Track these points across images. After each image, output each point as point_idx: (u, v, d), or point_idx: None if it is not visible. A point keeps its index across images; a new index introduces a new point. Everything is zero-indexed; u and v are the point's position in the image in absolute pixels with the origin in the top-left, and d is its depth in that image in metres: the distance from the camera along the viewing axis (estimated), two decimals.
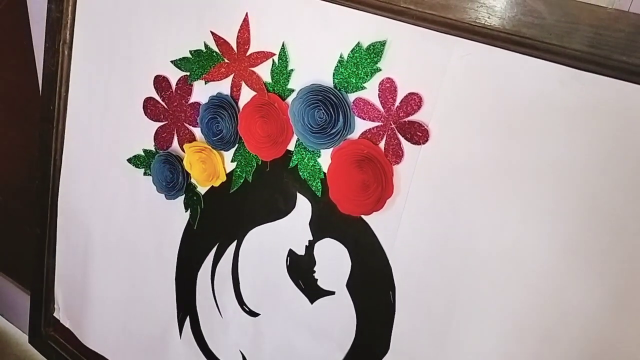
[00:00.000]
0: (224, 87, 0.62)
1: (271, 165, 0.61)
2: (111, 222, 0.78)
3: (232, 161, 0.64)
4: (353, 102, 0.53)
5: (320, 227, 0.59)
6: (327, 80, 0.54)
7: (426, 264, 0.53)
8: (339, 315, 0.60)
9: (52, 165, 0.81)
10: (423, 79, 0.49)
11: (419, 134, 0.50)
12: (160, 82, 0.67)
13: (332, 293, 0.60)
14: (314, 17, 0.54)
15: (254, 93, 0.60)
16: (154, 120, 0.69)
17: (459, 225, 0.50)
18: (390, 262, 0.55)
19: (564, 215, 0.45)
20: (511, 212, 0.47)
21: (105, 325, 0.85)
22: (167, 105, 0.68)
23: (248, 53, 0.59)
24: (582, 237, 0.45)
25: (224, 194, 0.65)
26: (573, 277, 0.46)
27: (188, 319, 0.74)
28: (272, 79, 0.58)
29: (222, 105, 0.62)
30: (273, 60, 0.57)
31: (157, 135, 0.70)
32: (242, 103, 0.61)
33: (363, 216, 0.55)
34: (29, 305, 0.95)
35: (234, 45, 0.60)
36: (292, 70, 0.56)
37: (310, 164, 0.58)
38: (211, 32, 0.61)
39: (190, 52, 0.63)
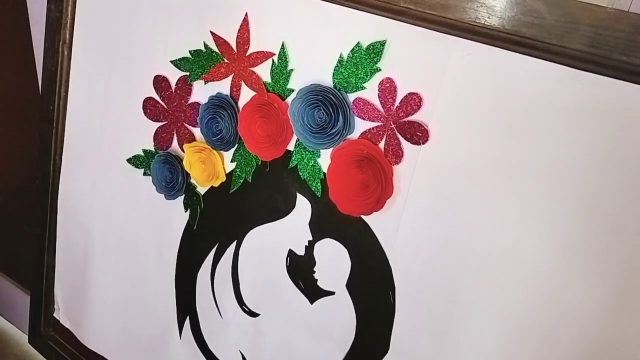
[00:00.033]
0: (223, 87, 0.62)
1: (271, 166, 0.61)
2: (111, 222, 0.78)
3: (231, 161, 0.64)
4: (353, 102, 0.53)
5: (320, 227, 0.59)
6: (327, 80, 0.54)
7: (426, 264, 0.53)
8: (339, 316, 0.60)
9: (52, 165, 0.81)
10: (423, 79, 0.49)
11: (418, 134, 0.50)
12: (159, 82, 0.67)
13: (332, 293, 0.60)
14: (313, 17, 0.54)
15: (254, 93, 0.59)
16: (154, 120, 0.69)
17: (459, 225, 0.50)
18: (390, 262, 0.55)
19: (564, 215, 0.45)
20: (511, 212, 0.47)
21: (105, 326, 0.85)
22: (167, 105, 0.68)
23: (248, 53, 0.59)
24: (582, 237, 0.45)
25: (224, 194, 0.65)
26: (573, 277, 0.46)
27: (188, 319, 0.74)
28: (272, 79, 0.58)
29: (222, 105, 0.62)
30: (273, 60, 0.57)
31: (157, 135, 0.70)
32: (241, 103, 0.61)
33: (363, 216, 0.55)
34: (28, 305, 0.95)
35: (234, 45, 0.60)
36: (291, 70, 0.56)
37: (310, 164, 0.58)
38: (211, 32, 0.61)
39: (190, 52, 0.63)
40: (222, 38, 0.60)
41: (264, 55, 0.58)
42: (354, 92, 0.53)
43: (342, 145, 0.55)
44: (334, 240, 0.58)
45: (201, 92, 0.64)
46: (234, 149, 0.63)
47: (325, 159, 0.57)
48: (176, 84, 0.66)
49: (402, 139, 0.51)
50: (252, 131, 0.60)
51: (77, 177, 0.81)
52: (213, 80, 0.62)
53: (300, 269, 0.62)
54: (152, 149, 0.71)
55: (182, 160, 0.68)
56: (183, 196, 0.69)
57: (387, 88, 0.51)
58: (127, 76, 0.71)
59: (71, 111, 0.78)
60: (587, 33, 0.41)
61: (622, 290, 0.44)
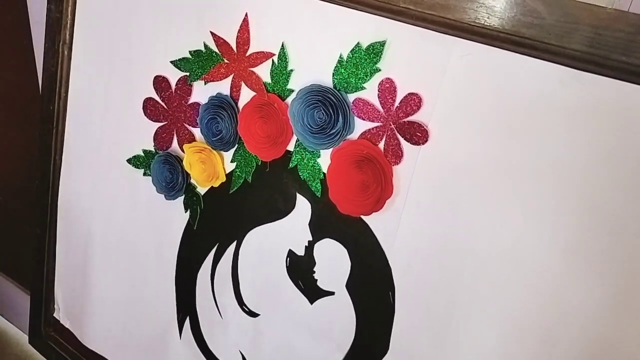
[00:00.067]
0: (223, 87, 0.62)
1: (271, 166, 0.61)
2: (111, 223, 0.78)
3: (231, 161, 0.64)
4: (352, 103, 0.53)
5: (320, 227, 0.59)
6: (327, 81, 0.54)
7: (426, 264, 0.53)
8: (339, 316, 0.60)
9: (52, 165, 0.82)
10: (422, 79, 0.49)
11: (418, 134, 0.50)
12: (160, 83, 0.67)
13: (332, 293, 0.60)
14: (313, 17, 0.54)
15: (254, 93, 0.60)
16: (154, 121, 0.69)
17: (458, 226, 0.50)
18: (389, 262, 0.55)
19: (563, 215, 0.45)
20: (511, 212, 0.47)
21: (105, 326, 0.85)
22: (167, 106, 0.68)
23: (248, 53, 0.59)
24: (582, 237, 0.45)
25: (224, 194, 0.65)
26: (573, 277, 0.46)
27: (188, 319, 0.74)
28: (272, 79, 0.58)
29: (222, 105, 0.62)
30: (273, 60, 0.57)
31: (157, 136, 0.70)
32: (241, 103, 0.61)
33: (362, 216, 0.55)
34: (29, 305, 0.95)
35: (234, 46, 0.60)
36: (291, 70, 0.56)
37: (310, 164, 0.58)
38: (211, 32, 0.61)
39: (190, 52, 0.63)
40: (222, 38, 0.60)
41: (263, 56, 0.58)
42: (353, 92, 0.53)
43: (341, 146, 0.55)
44: (334, 241, 0.59)
45: (201, 93, 0.64)
46: (234, 149, 0.63)
47: (325, 159, 0.57)
48: (176, 85, 0.66)
49: (401, 139, 0.51)
50: (252, 131, 0.60)
51: (77, 177, 0.81)
52: (213, 81, 0.62)
53: (300, 269, 0.62)
54: (152, 149, 0.71)
55: (182, 161, 0.68)
56: (183, 196, 0.69)
57: (387, 88, 0.51)
58: (127, 76, 0.71)
59: (71, 111, 0.78)
60: (587, 33, 0.41)
61: (622, 290, 0.44)
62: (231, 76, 0.61)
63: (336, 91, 0.53)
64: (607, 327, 0.45)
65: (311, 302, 0.62)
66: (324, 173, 0.57)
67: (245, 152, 0.62)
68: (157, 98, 0.68)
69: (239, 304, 0.68)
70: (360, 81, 0.52)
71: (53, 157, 0.81)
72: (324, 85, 0.54)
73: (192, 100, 0.65)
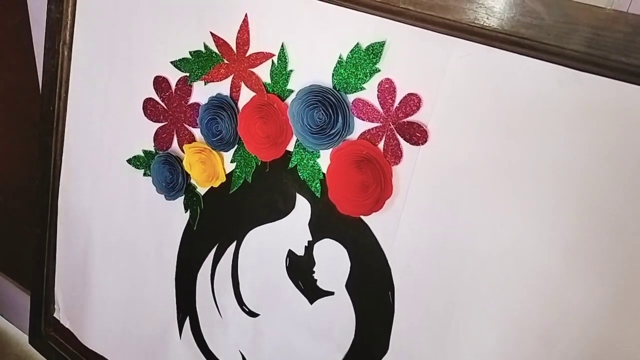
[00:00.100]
0: (223, 87, 0.62)
1: (271, 166, 0.61)
2: (111, 223, 0.79)
3: (231, 162, 0.64)
4: (352, 103, 0.53)
5: (320, 227, 0.59)
6: (327, 81, 0.54)
7: (425, 263, 0.53)
8: (339, 316, 0.60)
9: (52, 165, 0.82)
10: (422, 80, 0.49)
11: (418, 134, 0.50)
12: (160, 83, 0.67)
13: (332, 293, 0.60)
14: (313, 18, 0.54)
15: (254, 94, 0.60)
16: (154, 121, 0.69)
17: (458, 226, 0.50)
18: (389, 262, 0.55)
19: (564, 215, 0.45)
20: (511, 212, 0.48)
21: (105, 326, 0.85)
22: (167, 106, 0.68)
23: (247, 54, 0.59)
24: (582, 237, 0.45)
25: (224, 194, 0.65)
26: (573, 277, 0.46)
27: (188, 319, 0.74)
28: (272, 80, 0.58)
29: (222, 106, 0.62)
30: (272, 61, 0.57)
31: (157, 136, 0.70)
32: (241, 104, 0.61)
33: (362, 217, 0.56)
34: (29, 305, 0.95)
35: (234, 46, 0.60)
36: (291, 71, 0.57)
37: (310, 164, 0.58)
38: (211, 33, 0.61)
39: (190, 52, 0.63)
40: (222, 39, 0.60)
41: (263, 56, 0.58)
42: (353, 92, 0.53)
43: (341, 146, 0.55)
44: (334, 241, 0.59)
45: (201, 93, 0.64)
46: (233, 149, 0.63)
47: (324, 159, 0.57)
48: (176, 85, 0.66)
49: (401, 140, 0.51)
50: (252, 132, 0.60)
51: (77, 177, 0.81)
52: (213, 81, 0.62)
53: (300, 269, 0.62)
54: (152, 149, 0.71)
55: (182, 161, 0.68)
56: (183, 197, 0.70)
57: (387, 89, 0.51)
58: (127, 77, 0.71)
59: (71, 112, 0.79)
60: (586, 34, 0.41)
61: (622, 290, 0.44)
62: (231, 77, 0.61)
63: (336, 91, 0.53)
64: (607, 327, 0.45)
65: (311, 302, 0.62)
66: (323, 173, 0.57)
67: (245, 153, 0.62)
68: (157, 98, 0.68)
69: (238, 304, 0.68)
70: (359, 81, 0.52)
71: (53, 157, 0.81)
72: (323, 86, 0.54)
73: (192, 100, 0.65)
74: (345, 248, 0.58)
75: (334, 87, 0.54)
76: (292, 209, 0.61)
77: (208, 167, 0.65)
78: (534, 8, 0.43)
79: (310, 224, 0.60)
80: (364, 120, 0.53)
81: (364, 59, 0.51)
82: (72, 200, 0.83)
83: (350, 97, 0.53)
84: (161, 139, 0.69)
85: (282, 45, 0.56)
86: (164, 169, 0.69)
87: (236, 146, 0.63)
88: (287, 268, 0.63)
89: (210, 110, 0.63)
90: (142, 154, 0.72)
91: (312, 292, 0.61)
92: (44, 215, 0.85)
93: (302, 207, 0.60)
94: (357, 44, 0.52)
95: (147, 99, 0.69)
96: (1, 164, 1.10)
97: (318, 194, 0.58)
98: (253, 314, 0.68)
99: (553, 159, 0.45)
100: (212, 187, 0.67)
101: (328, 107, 0.54)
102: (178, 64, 0.65)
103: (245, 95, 0.60)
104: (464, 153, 0.49)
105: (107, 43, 0.72)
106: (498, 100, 0.46)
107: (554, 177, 0.45)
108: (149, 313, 0.79)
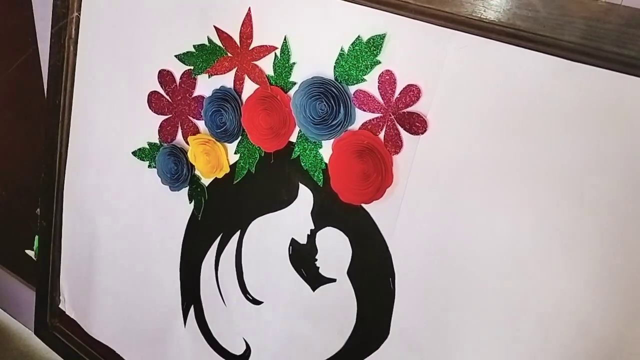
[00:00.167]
0: (227, 80, 0.63)
1: (274, 157, 0.62)
2: (116, 214, 0.80)
3: (235, 153, 0.65)
4: (353, 94, 0.54)
5: (322, 216, 0.61)
6: (328, 73, 0.56)
7: (425, 250, 0.54)
8: (340, 302, 0.61)
9: (58, 158, 0.83)
10: (421, 71, 0.50)
11: (417, 124, 0.51)
12: (164, 76, 0.68)
13: (334, 280, 0.61)
14: (315, 12, 0.55)
15: (257, 86, 0.61)
16: (159, 114, 0.71)
17: (457, 213, 0.51)
18: (390, 249, 0.56)
19: (561, 201, 0.46)
20: (509, 200, 0.49)
21: (111, 316, 0.86)
22: (172, 99, 0.69)
23: (251, 47, 0.60)
24: (580, 229, 0.45)
25: (228, 185, 0.67)
26: (573, 277, 0.46)
27: (192, 308, 0.76)
28: (275, 72, 0.59)
29: (226, 98, 0.63)
30: (275, 54, 0.59)
31: (162, 129, 0.71)
32: (245, 96, 0.62)
33: (363, 205, 0.57)
34: (32, 301, 0.96)
35: (237, 40, 0.61)
36: (294, 63, 0.58)
37: (312, 154, 0.59)
38: (214, 27, 0.62)
39: (194, 46, 0.64)
40: (225, 33, 0.61)
41: (266, 49, 0.59)
42: (354, 84, 0.54)
43: (343, 136, 0.56)
44: (336, 229, 0.60)
45: (205, 86, 0.65)
46: (237, 140, 0.64)
47: (326, 149, 0.58)
48: (180, 78, 0.67)
49: (401, 130, 0.53)
50: (256, 123, 0.62)
51: (83, 170, 0.82)
52: (217, 74, 0.64)
53: (303, 257, 0.63)
54: (157, 141, 0.72)
55: (186, 153, 0.69)
56: (188, 187, 0.71)
57: (387, 80, 0.52)
58: (132, 71, 0.72)
59: (77, 105, 0.80)
60: (580, 25, 0.42)
61: (622, 290, 0.45)
62: (235, 69, 0.62)
63: (337, 83, 0.55)
64: (607, 327, 0.46)
65: (313, 289, 0.63)
66: (325, 163, 0.58)
67: (249, 144, 0.63)
68: (161, 92, 0.69)
69: (242, 292, 0.70)
70: (360, 73, 0.54)
71: (59, 151, 0.82)
72: (325, 78, 0.55)
73: (196, 93, 0.66)
74: (347, 236, 0.59)
75: (336, 78, 0.55)
76: (295, 199, 0.62)
77: (212, 158, 0.66)
78: (529, 1, 0.44)
79: (312, 213, 0.61)
80: (365, 110, 0.54)
81: (365, 51, 0.53)
82: (78, 193, 0.84)
83: (352, 89, 0.54)
84: (166, 131, 0.71)
85: (285, 39, 0.58)
86: (169, 161, 0.71)
87: (240, 137, 0.64)
88: (290, 256, 0.64)
89: (215, 102, 0.64)
90: (147, 146, 0.73)
91: (315, 279, 0.63)
92: (49, 207, 0.86)
93: (305, 197, 0.61)
94: (358, 36, 0.53)
95: (152, 92, 0.70)
96: (4, 161, 1.11)
97: (320, 184, 0.59)
98: (257, 302, 0.69)
99: (549, 149, 0.46)
100: (216, 177, 0.68)
101: (330, 99, 0.55)
102: (182, 57, 0.66)
103: (249, 88, 0.62)
104: (462, 142, 0.50)
105: (113, 37, 0.73)
106: (495, 91, 0.47)
107: (549, 167, 0.46)
108: (154, 302, 0.80)
